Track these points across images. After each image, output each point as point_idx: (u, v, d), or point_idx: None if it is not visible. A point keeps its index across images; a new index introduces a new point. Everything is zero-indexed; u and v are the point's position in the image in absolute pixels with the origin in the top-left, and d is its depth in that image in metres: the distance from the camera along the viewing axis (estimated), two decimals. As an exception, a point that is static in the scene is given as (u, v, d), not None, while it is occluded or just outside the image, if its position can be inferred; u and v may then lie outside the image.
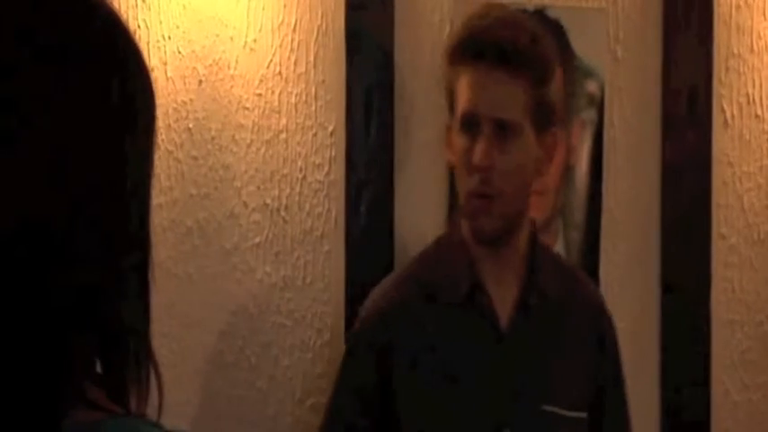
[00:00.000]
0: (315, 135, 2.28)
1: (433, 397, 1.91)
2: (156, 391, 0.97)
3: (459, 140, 1.87)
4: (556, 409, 1.92)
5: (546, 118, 1.89)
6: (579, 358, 1.98)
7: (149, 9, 2.20)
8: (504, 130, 1.85)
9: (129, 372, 0.92)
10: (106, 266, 0.90)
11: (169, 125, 2.21)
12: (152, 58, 2.18)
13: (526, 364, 1.92)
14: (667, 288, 2.42)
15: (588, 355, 1.99)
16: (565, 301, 1.97)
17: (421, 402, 1.91)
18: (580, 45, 2.34)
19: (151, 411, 0.98)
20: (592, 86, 2.36)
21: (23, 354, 0.86)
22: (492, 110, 1.85)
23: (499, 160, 1.85)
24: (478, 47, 1.85)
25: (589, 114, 2.36)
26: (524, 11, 2.30)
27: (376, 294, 1.99)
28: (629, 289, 2.40)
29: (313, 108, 2.27)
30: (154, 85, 0.96)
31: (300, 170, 2.28)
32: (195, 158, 2.23)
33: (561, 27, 2.32)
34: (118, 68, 0.92)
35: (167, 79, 2.20)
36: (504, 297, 1.93)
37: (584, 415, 1.96)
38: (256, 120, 2.25)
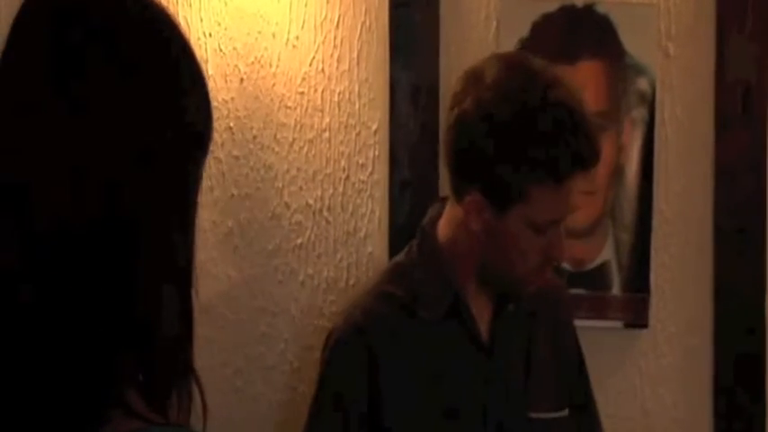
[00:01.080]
0: (358, 134, 2.28)
1: (422, 419, 1.88)
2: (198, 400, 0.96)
3: (524, 235, 1.82)
4: (542, 415, 1.92)
5: None
6: (551, 354, 1.97)
7: (190, 6, 2.22)
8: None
9: (170, 380, 0.92)
10: (151, 273, 0.90)
11: (210, 124, 2.20)
12: None
13: (509, 374, 1.91)
14: (720, 292, 2.39)
15: (555, 347, 1.99)
16: (537, 305, 1.96)
17: (407, 419, 1.88)
18: (630, 42, 2.33)
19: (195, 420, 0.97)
20: (642, 84, 2.34)
21: (66, 359, 0.86)
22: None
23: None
24: (577, 167, 1.78)
25: (640, 113, 2.34)
26: (573, 7, 2.30)
27: (351, 309, 1.93)
28: (681, 293, 2.39)
29: (356, 106, 2.28)
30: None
31: (343, 170, 2.28)
32: (236, 158, 2.24)
33: (610, 23, 2.32)
34: (187, 85, 0.99)
35: (208, 77, 2.13)
36: (481, 306, 1.91)
37: (566, 413, 1.96)
38: (298, 118, 2.26)
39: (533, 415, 1.91)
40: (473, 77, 1.82)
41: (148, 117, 0.92)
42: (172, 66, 0.95)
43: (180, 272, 0.93)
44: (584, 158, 1.78)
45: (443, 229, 1.91)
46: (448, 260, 1.89)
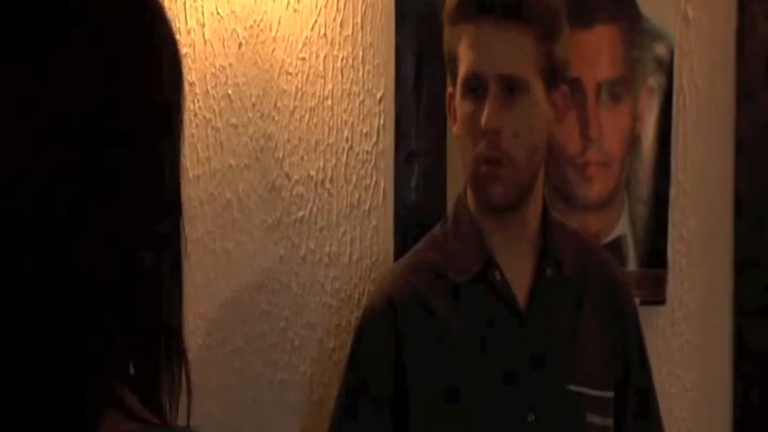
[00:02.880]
0: (362, 102, 2.27)
1: (451, 386, 1.89)
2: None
3: (463, 105, 1.88)
4: (582, 389, 1.91)
5: (555, 75, 1.89)
6: (600, 334, 1.96)
7: (186, -33, 2.19)
8: (511, 88, 1.85)
9: (160, 366, 0.89)
10: (133, 244, 0.87)
11: (207, 91, 2.21)
12: (189, 20, 2.19)
13: (547, 343, 1.91)
14: (741, 266, 2.40)
15: (609, 331, 1.98)
16: (582, 275, 1.96)
17: (438, 393, 1.89)
18: (647, 5, 2.33)
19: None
20: (660, 50, 2.34)
21: (50, 355, 0.84)
22: (498, 67, 1.85)
23: (507, 121, 1.84)
24: (481, 2, 1.84)
25: (657, 80, 2.34)
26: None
27: (385, 283, 1.98)
28: (699, 268, 2.39)
29: (360, 73, 2.26)
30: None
31: (347, 139, 2.27)
32: (235, 127, 2.23)
33: (627, -15, 2.31)
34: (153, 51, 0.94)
35: (205, 42, 2.20)
36: (518, 272, 1.92)
37: (610, 394, 1.95)
38: (300, 85, 2.24)
39: (572, 387, 1.90)
40: None
41: (119, 89, 0.89)
42: (145, 37, 0.93)
43: (165, 242, 0.90)
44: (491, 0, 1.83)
45: (468, 188, 1.94)
46: (477, 222, 1.92)
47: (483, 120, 1.83)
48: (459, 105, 1.88)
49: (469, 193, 1.93)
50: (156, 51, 0.94)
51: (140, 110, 0.90)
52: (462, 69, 1.86)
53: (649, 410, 2.04)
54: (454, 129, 1.93)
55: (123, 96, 0.89)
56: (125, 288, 0.88)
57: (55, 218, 0.85)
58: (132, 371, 0.90)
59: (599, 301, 1.97)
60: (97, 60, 0.89)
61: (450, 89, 1.93)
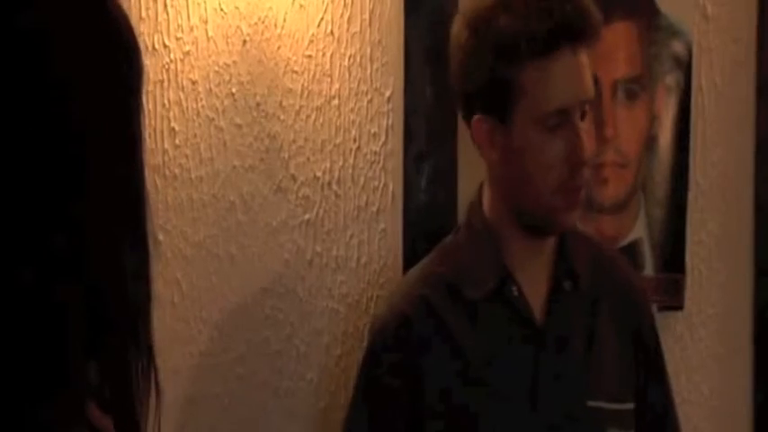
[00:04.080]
0: (370, 101, 2.26)
1: (468, 405, 1.88)
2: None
3: (540, 139, 1.82)
4: (601, 404, 1.90)
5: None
6: (617, 346, 1.95)
7: (188, -38, 2.19)
8: (584, 113, 1.84)
9: (134, 388, 0.87)
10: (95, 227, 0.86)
11: (210, 90, 2.19)
12: (192, 17, 2.17)
13: (565, 358, 1.89)
14: (761, 271, 2.40)
15: (626, 341, 1.97)
16: (598, 286, 1.95)
17: (454, 412, 1.88)
18: (665, 1, 2.32)
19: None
20: (678, 47, 2.34)
21: (15, 372, 0.83)
22: (581, 96, 1.83)
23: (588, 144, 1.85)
24: (556, 36, 1.79)
25: (675, 78, 2.34)
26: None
27: (396, 297, 1.97)
28: (718, 272, 2.40)
29: (368, 71, 2.25)
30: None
31: (354, 140, 2.26)
32: (239, 126, 2.22)
33: (644, -20, 2.32)
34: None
35: (208, 39, 2.18)
36: (534, 286, 1.91)
37: (630, 406, 1.94)
38: (306, 84, 2.23)
39: (591, 403, 1.89)
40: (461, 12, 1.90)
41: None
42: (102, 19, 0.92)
43: (129, 248, 0.88)
44: (570, 26, 1.78)
45: (486, 199, 1.92)
46: (496, 233, 1.90)
47: (585, 152, 1.80)
48: (529, 140, 1.82)
49: (505, 214, 1.89)
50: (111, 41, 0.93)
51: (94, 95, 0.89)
52: (539, 104, 1.80)
53: (668, 421, 2.02)
54: (490, 158, 1.88)
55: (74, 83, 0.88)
56: (91, 301, 0.86)
57: (14, 226, 0.84)
58: (100, 386, 0.88)
59: (615, 311, 1.95)
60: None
61: (481, 117, 1.86)
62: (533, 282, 1.90)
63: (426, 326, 1.89)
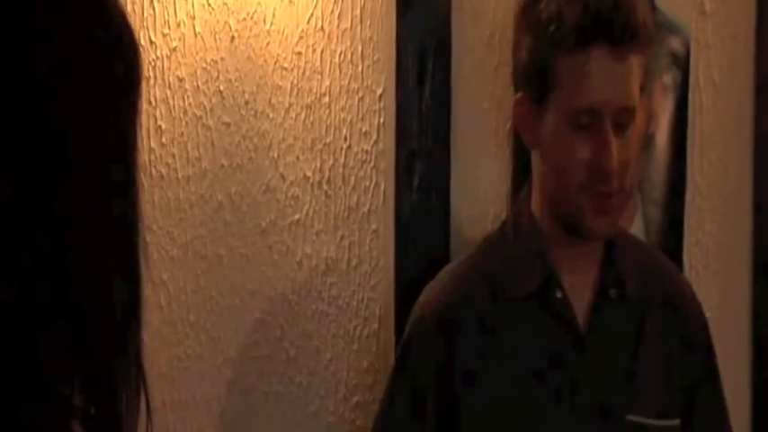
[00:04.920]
0: (361, 99, 2.26)
1: (503, 412, 1.87)
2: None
3: (567, 134, 1.82)
4: (642, 419, 1.88)
5: (644, 88, 1.89)
6: (664, 359, 1.94)
7: (175, -44, 2.19)
8: (623, 122, 1.82)
9: (120, 404, 0.86)
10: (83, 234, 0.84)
11: (197, 87, 2.19)
12: (178, 12, 2.18)
13: (608, 368, 1.88)
14: (760, 272, 2.39)
15: (673, 355, 1.95)
16: (646, 292, 1.93)
17: (490, 415, 1.87)
18: None
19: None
20: (675, 44, 2.33)
21: None
22: (616, 101, 1.80)
23: (621, 155, 1.82)
24: (592, 29, 1.78)
25: (672, 76, 2.33)
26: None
27: (433, 291, 1.96)
28: (717, 273, 2.39)
29: (359, 68, 2.25)
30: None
31: (345, 139, 2.26)
32: (227, 125, 2.22)
33: (641, -24, 2.30)
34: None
35: (195, 35, 2.18)
36: (579, 290, 1.89)
37: (674, 423, 1.92)
38: (295, 81, 2.23)
39: (631, 417, 1.86)
40: None
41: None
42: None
43: (120, 235, 0.87)
44: (610, 23, 1.76)
45: (534, 195, 1.91)
46: (541, 231, 1.89)
47: (610, 161, 1.78)
48: (559, 133, 1.82)
49: (546, 212, 1.88)
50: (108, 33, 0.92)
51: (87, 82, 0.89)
52: (570, 98, 1.80)
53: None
54: (528, 142, 1.89)
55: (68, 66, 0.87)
56: (72, 312, 0.84)
57: None
58: (87, 404, 0.86)
59: (662, 323, 1.94)
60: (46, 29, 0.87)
61: (520, 96, 1.88)
62: (578, 286, 1.88)
63: (465, 320, 1.88)
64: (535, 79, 1.83)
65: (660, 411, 1.89)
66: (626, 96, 1.80)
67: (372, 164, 2.26)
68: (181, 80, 2.17)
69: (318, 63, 2.23)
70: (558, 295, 1.86)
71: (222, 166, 2.22)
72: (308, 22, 2.22)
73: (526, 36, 1.84)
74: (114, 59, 0.92)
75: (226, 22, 2.19)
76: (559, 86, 1.80)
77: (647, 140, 2.32)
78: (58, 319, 0.84)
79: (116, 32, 0.94)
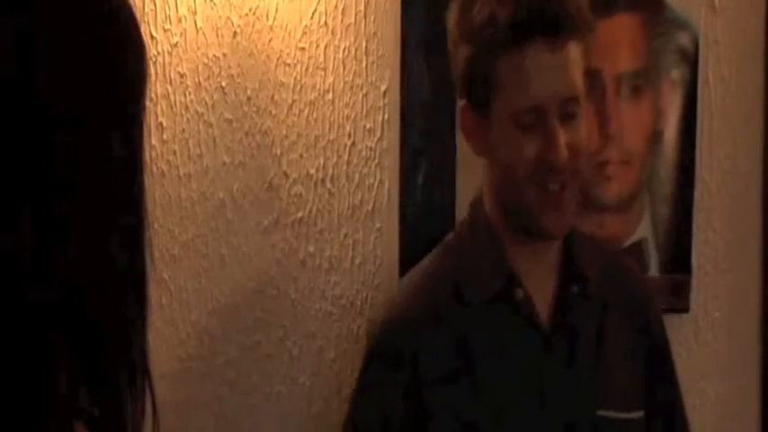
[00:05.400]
0: (365, 95, 2.26)
1: (474, 418, 1.86)
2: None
3: (513, 136, 1.80)
4: (611, 413, 1.88)
5: (588, 77, 1.88)
6: (626, 352, 1.94)
7: (176, -50, 2.20)
8: (569, 112, 1.80)
9: (127, 407, 0.85)
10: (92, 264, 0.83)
11: (199, 83, 2.18)
12: (180, 7, 2.17)
13: (573, 365, 1.88)
14: None
15: (635, 347, 1.95)
16: (606, 290, 1.93)
17: (458, 422, 1.86)
18: None
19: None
20: (684, 40, 2.33)
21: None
22: (559, 93, 1.78)
23: (571, 147, 1.80)
24: (526, 26, 1.76)
25: (681, 72, 2.34)
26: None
27: (398, 300, 1.95)
28: (726, 273, 2.39)
29: (363, 64, 2.25)
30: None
31: (349, 135, 2.25)
32: (229, 122, 2.22)
33: (649, -29, 2.31)
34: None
35: (197, 31, 2.17)
36: (541, 289, 1.88)
37: (640, 414, 1.92)
38: (299, 78, 2.23)
39: (601, 413, 1.87)
40: None
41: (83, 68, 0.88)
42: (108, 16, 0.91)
43: (128, 238, 0.86)
44: (542, 17, 1.75)
45: (486, 198, 1.90)
46: (497, 233, 1.88)
47: (560, 155, 1.77)
48: (505, 136, 1.80)
49: (500, 214, 1.87)
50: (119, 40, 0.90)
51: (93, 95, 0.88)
52: (512, 100, 1.79)
53: (679, 427, 2.01)
54: (476, 150, 1.89)
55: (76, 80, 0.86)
56: (77, 314, 0.83)
57: None
58: (92, 405, 0.85)
59: (624, 316, 1.94)
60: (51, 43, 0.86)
61: (463, 104, 1.88)
62: (540, 285, 1.87)
63: (429, 331, 1.86)
64: (476, 87, 1.82)
65: (627, 404, 1.90)
66: (568, 87, 1.78)
67: (376, 161, 2.26)
68: (182, 76, 2.17)
69: (322, 59, 2.23)
70: (520, 295, 1.85)
71: (224, 163, 2.21)
72: (312, 17, 2.22)
73: (463, 45, 1.82)
74: (122, 60, 0.91)
75: (228, 18, 2.18)
76: (500, 90, 1.78)
77: (656, 138, 2.33)
78: (66, 322, 0.83)
79: (124, 32, 0.93)
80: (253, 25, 2.19)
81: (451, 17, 1.85)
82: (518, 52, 1.76)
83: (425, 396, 1.85)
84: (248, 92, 2.21)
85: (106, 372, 0.87)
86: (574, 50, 1.78)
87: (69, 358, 0.83)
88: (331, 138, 2.25)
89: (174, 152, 2.17)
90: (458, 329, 1.86)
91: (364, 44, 2.24)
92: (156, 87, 2.14)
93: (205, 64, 2.18)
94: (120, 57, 0.90)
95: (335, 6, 2.23)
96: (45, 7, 0.87)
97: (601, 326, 1.90)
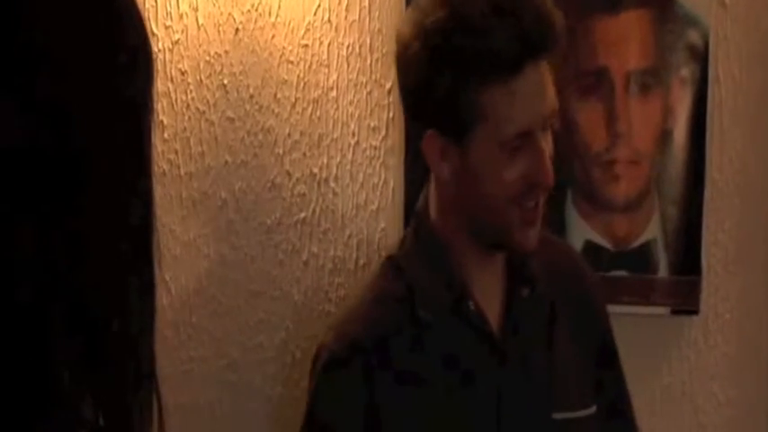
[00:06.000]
0: (369, 93, 2.26)
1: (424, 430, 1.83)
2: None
3: (494, 162, 1.74)
4: (567, 414, 1.86)
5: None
6: (576, 349, 1.91)
7: (177, -55, 2.21)
8: (547, 123, 1.77)
9: (132, 417, 0.84)
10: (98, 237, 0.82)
11: (200, 81, 2.19)
12: (181, 4, 2.20)
13: (527, 371, 1.85)
14: None
15: (584, 342, 1.92)
16: (551, 287, 1.89)
17: None
18: None
19: None
20: (694, 37, 2.31)
21: None
22: (543, 112, 1.75)
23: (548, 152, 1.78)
24: (520, 54, 1.71)
25: (690, 70, 2.31)
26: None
27: (345, 324, 1.87)
28: (736, 274, 2.36)
29: (368, 61, 2.25)
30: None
31: (353, 134, 2.25)
32: (231, 120, 2.22)
33: (659, -34, 2.30)
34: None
35: (198, 27, 2.19)
36: (490, 296, 1.85)
37: (593, 410, 1.90)
38: (302, 75, 2.23)
39: (556, 416, 1.84)
40: (412, 12, 1.80)
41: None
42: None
43: (137, 246, 0.85)
44: (533, 40, 1.70)
45: (433, 207, 1.85)
46: (445, 244, 1.83)
47: (546, 177, 1.73)
48: (488, 162, 1.74)
49: (459, 229, 1.81)
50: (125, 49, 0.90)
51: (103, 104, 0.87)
52: (499, 128, 1.72)
53: (623, 416, 1.99)
54: (442, 176, 1.79)
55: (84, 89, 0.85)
56: (82, 317, 0.82)
57: None
58: (96, 415, 0.84)
59: (571, 311, 1.91)
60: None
61: (433, 133, 1.77)
62: (488, 291, 1.83)
63: (380, 354, 1.80)
64: (454, 118, 1.74)
65: (580, 402, 1.88)
66: (551, 103, 1.75)
67: (381, 160, 2.26)
68: (183, 74, 2.18)
69: (325, 56, 2.23)
70: (472, 307, 1.81)
71: (226, 162, 2.22)
72: (315, 13, 2.22)
73: (442, 74, 1.72)
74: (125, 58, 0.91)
75: (230, 14, 2.19)
76: (486, 120, 1.72)
77: (665, 137, 2.31)
78: (74, 332, 0.82)
79: (128, 29, 0.92)
80: (255, 22, 2.20)
81: (412, 43, 1.75)
82: (514, 80, 1.71)
83: (383, 419, 1.80)
84: (250, 90, 2.21)
85: (114, 382, 0.85)
86: (550, 61, 1.75)
87: (73, 364, 0.82)
88: (335, 136, 2.24)
89: (176, 151, 2.17)
90: (411, 347, 1.81)
91: (368, 41, 2.24)
92: (156, 85, 2.13)
93: (207, 61, 2.18)
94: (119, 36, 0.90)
95: (339, 3, 2.23)
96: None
97: (551, 325, 1.88)
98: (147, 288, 0.88)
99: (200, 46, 2.17)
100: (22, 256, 0.81)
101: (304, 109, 2.23)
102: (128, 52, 0.91)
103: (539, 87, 1.73)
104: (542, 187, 1.75)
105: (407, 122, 2.22)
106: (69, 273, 0.82)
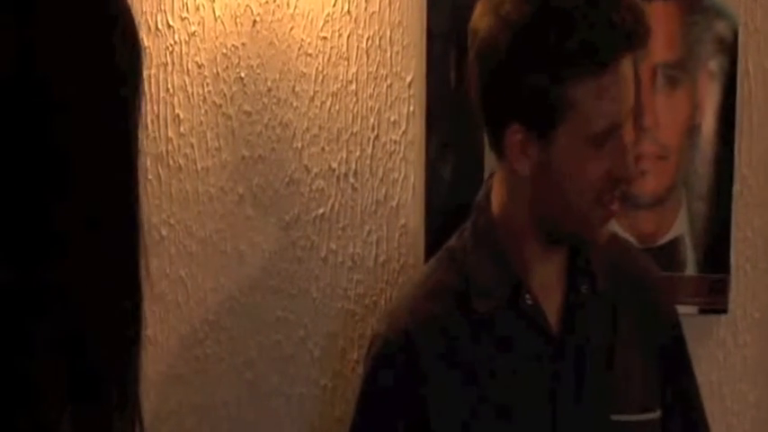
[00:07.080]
0: (390, 86, 2.25)
1: (481, 428, 1.83)
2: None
3: (581, 157, 1.75)
4: (626, 417, 1.86)
5: None
6: (640, 350, 1.91)
7: (194, -64, 2.21)
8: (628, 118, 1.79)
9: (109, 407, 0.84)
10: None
11: (217, 74, 2.19)
12: None
13: (586, 369, 1.85)
14: None
15: (648, 344, 1.92)
16: (615, 286, 1.90)
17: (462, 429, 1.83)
18: None
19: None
20: (722, 29, 2.30)
21: None
22: (629, 105, 1.76)
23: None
24: (615, 48, 1.71)
25: (719, 63, 2.30)
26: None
27: (399, 312, 1.89)
28: (765, 273, 2.35)
29: (388, 54, 2.25)
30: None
31: (372, 128, 2.25)
32: (248, 114, 2.22)
33: (686, -43, 2.29)
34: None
35: (215, 19, 2.19)
36: (549, 292, 1.85)
37: (657, 415, 1.89)
38: (321, 68, 2.23)
39: (615, 417, 1.85)
40: (487, 4, 1.78)
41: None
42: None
43: (124, 255, 0.85)
44: (629, 32, 1.70)
45: (497, 201, 1.86)
46: (507, 238, 1.84)
47: (625, 171, 1.74)
48: (574, 157, 1.75)
49: (531, 226, 1.82)
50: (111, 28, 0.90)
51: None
52: (589, 123, 1.73)
53: (697, 426, 1.98)
54: (522, 170, 1.78)
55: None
56: (73, 337, 0.82)
57: None
58: (76, 426, 0.84)
59: (635, 312, 1.91)
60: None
61: (517, 127, 1.76)
62: (547, 287, 1.84)
63: (434, 345, 1.83)
64: (543, 111, 1.74)
65: (643, 405, 1.88)
66: (634, 96, 1.77)
67: (401, 155, 2.26)
68: (200, 66, 2.18)
69: (345, 48, 2.23)
70: (529, 302, 1.82)
71: (243, 157, 2.22)
72: (334, 5, 2.22)
73: (534, 69, 1.72)
74: (115, 46, 0.91)
75: (247, 6, 2.19)
76: (576, 114, 1.73)
77: (693, 131, 2.30)
78: (58, 349, 0.82)
79: (116, 17, 0.93)
80: (273, 13, 2.20)
81: (500, 37, 1.74)
82: (601, 75, 1.71)
83: (432, 412, 1.82)
84: (268, 83, 2.21)
85: (95, 402, 0.85)
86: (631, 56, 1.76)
87: (56, 387, 0.83)
88: (354, 130, 2.25)
89: (192, 145, 2.18)
90: (466, 342, 1.83)
91: (389, 33, 2.24)
92: (172, 78, 2.14)
93: (224, 54, 2.18)
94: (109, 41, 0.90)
95: (359, -6, 2.23)
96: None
97: (613, 324, 1.88)
98: (134, 312, 0.88)
99: (216, 38, 2.17)
100: (4, 277, 0.81)
101: (323, 102, 2.23)
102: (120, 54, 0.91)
103: (627, 80, 1.74)
104: (625, 182, 1.77)
105: (428, 116, 2.23)
106: (54, 294, 0.82)
